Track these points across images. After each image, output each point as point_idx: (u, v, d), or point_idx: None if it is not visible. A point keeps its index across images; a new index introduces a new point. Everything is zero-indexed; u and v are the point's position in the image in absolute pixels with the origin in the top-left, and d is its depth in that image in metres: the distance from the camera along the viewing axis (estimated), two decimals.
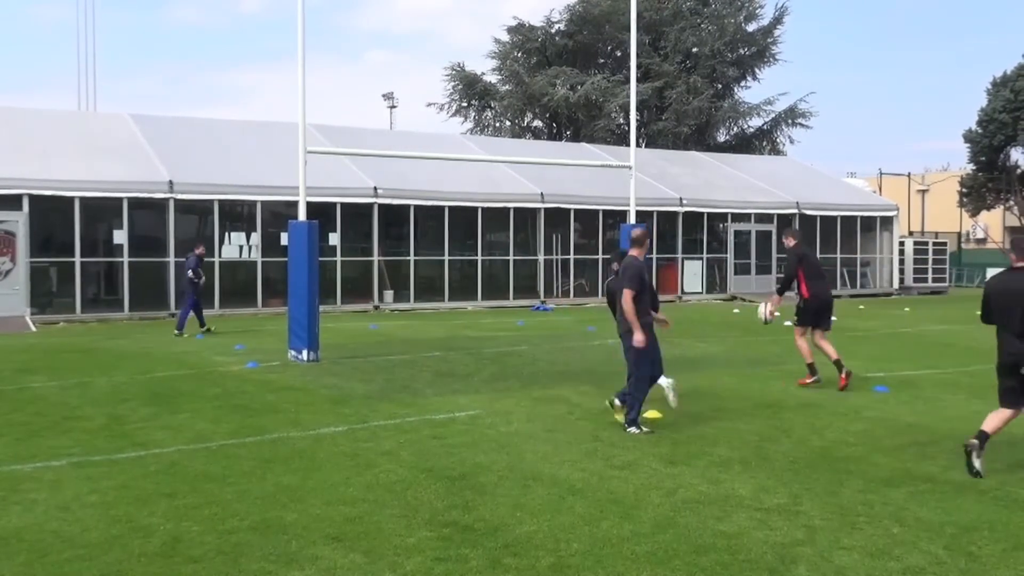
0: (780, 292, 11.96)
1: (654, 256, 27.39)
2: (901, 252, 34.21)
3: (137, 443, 8.17)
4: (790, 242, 11.98)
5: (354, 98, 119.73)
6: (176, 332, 17.27)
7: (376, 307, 24.16)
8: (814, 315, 11.53)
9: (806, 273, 11.68)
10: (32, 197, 20.46)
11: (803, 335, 11.60)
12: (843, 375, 11.12)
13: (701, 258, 29.74)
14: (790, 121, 45.30)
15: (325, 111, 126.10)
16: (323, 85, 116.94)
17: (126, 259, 21.44)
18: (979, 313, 7.53)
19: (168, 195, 21.64)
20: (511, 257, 26.51)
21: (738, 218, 30.55)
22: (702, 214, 29.64)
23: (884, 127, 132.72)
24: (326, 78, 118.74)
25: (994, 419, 7.20)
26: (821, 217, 31.98)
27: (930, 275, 34.77)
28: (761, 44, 44.78)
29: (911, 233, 45.28)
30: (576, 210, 27.39)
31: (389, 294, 24.58)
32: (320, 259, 14.76)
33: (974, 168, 45.98)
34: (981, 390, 10.78)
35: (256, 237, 23.06)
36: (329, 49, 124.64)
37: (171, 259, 21.78)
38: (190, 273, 17.56)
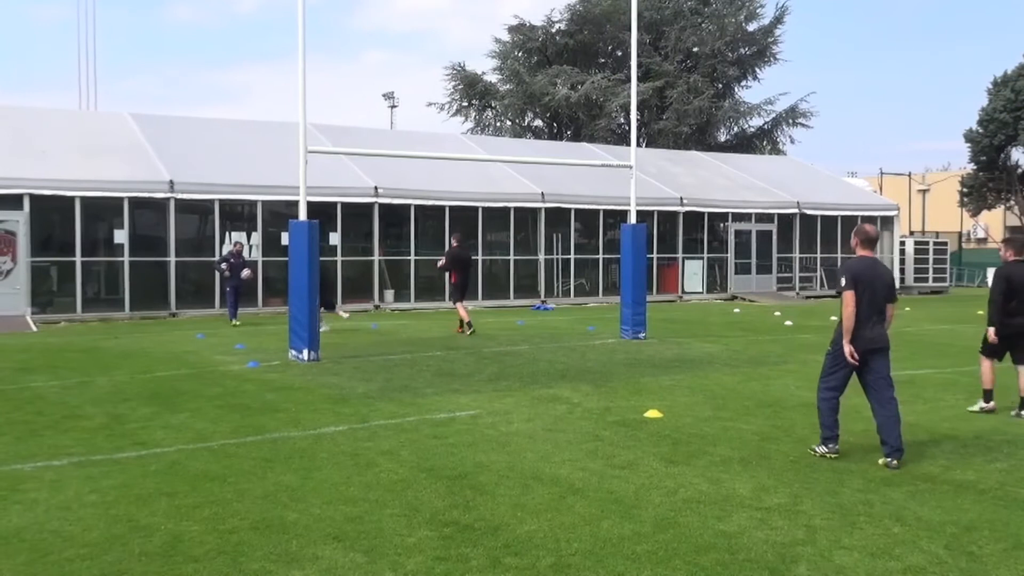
0: (444, 269, 18.64)
1: (655, 256, 27.42)
2: (902, 252, 34.22)
3: (138, 442, 8.17)
4: (454, 241, 18.09)
5: (354, 98, 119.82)
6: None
7: (377, 306, 24.17)
8: (461, 292, 17.92)
9: (459, 270, 17.89)
10: (33, 196, 20.46)
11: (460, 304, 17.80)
12: (461, 328, 17.63)
13: (702, 258, 29.74)
14: (791, 121, 45.35)
15: (325, 111, 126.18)
16: (323, 85, 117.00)
17: (127, 259, 21.44)
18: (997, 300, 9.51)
19: (169, 195, 21.64)
20: (511, 257, 26.51)
21: (738, 218, 30.56)
22: (703, 214, 29.64)
23: (885, 127, 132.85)
24: (326, 78, 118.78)
25: None
26: (822, 217, 31.99)
27: (930, 275, 34.78)
28: (762, 43, 44.82)
29: (912, 233, 45.30)
30: (576, 210, 27.40)
31: (390, 293, 24.59)
32: (321, 259, 14.76)
33: (975, 168, 46.02)
34: (981, 390, 10.77)
35: (257, 237, 23.05)
36: (328, 49, 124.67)
37: (172, 259, 21.79)
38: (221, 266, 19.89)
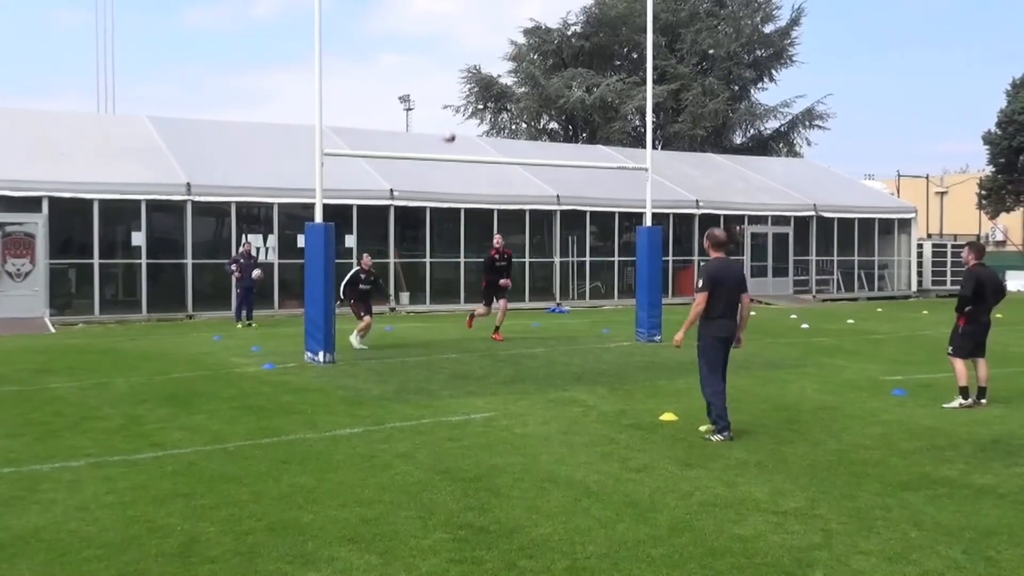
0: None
1: (671, 258, 27.36)
2: (919, 255, 34.02)
3: (154, 443, 8.21)
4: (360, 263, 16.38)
5: (370, 101, 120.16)
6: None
7: (392, 309, 24.20)
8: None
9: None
10: (51, 199, 20.62)
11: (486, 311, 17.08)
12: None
13: None
14: (807, 123, 45.15)
15: (341, 114, 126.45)
16: (339, 88, 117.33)
17: (144, 261, 21.56)
18: (967, 295, 10.25)
19: (186, 197, 21.75)
20: (527, 259, 26.49)
21: (755, 220, 30.44)
22: (719, 216, 29.50)
23: (902, 129, 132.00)
24: (341, 81, 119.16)
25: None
26: (839, 219, 31.84)
27: (948, 278, 34.52)
28: (778, 45, 44.64)
29: (929, 235, 45.01)
30: (592, 212, 27.36)
31: (405, 296, 24.63)
32: (336, 261, 14.81)
33: (993, 170, 45.73)
34: (1000, 394, 10.71)
35: (273, 239, 23.16)
36: (343, 53, 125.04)
37: (188, 261, 21.91)
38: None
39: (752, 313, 8.73)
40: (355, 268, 16.01)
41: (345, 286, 15.58)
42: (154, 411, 9.76)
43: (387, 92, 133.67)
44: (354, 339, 15.42)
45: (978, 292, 10.37)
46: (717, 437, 8.33)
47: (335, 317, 14.06)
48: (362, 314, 15.56)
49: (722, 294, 8.43)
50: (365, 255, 16.19)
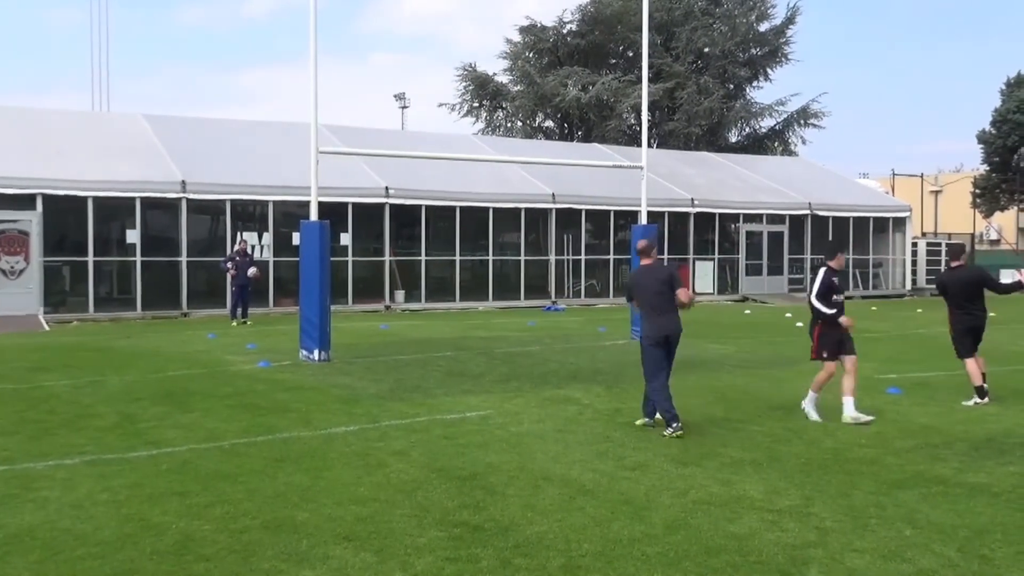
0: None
1: (666, 257, 27.37)
2: (914, 253, 34.08)
3: (149, 442, 8.20)
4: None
5: (365, 100, 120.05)
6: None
7: (387, 307, 24.19)
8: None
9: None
10: (46, 197, 20.56)
11: None
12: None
13: (713, 259, 29.68)
14: (802, 121, 45.14)
15: (336, 112, 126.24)
16: (334, 87, 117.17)
17: (139, 258, 21.53)
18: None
19: (181, 195, 21.72)
20: (522, 257, 26.51)
21: (750, 219, 30.48)
22: (714, 215, 29.57)
23: (897, 128, 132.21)
24: (336, 80, 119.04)
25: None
26: (833, 218, 31.88)
27: None
28: (773, 44, 44.61)
29: (924, 234, 45.07)
30: (587, 210, 27.38)
31: (400, 294, 24.61)
32: (332, 259, 14.79)
33: (988, 169, 45.85)
34: (995, 392, 10.73)
35: (268, 237, 23.13)
36: (337, 51, 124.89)
37: (183, 259, 21.88)
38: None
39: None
40: (822, 270, 9.60)
41: (820, 298, 9.56)
42: (149, 409, 9.75)
43: (382, 90, 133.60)
44: (808, 408, 9.65)
45: (944, 294, 10.74)
46: (668, 431, 8.41)
47: (330, 315, 14.04)
48: (825, 355, 9.76)
49: (643, 299, 8.96)
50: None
